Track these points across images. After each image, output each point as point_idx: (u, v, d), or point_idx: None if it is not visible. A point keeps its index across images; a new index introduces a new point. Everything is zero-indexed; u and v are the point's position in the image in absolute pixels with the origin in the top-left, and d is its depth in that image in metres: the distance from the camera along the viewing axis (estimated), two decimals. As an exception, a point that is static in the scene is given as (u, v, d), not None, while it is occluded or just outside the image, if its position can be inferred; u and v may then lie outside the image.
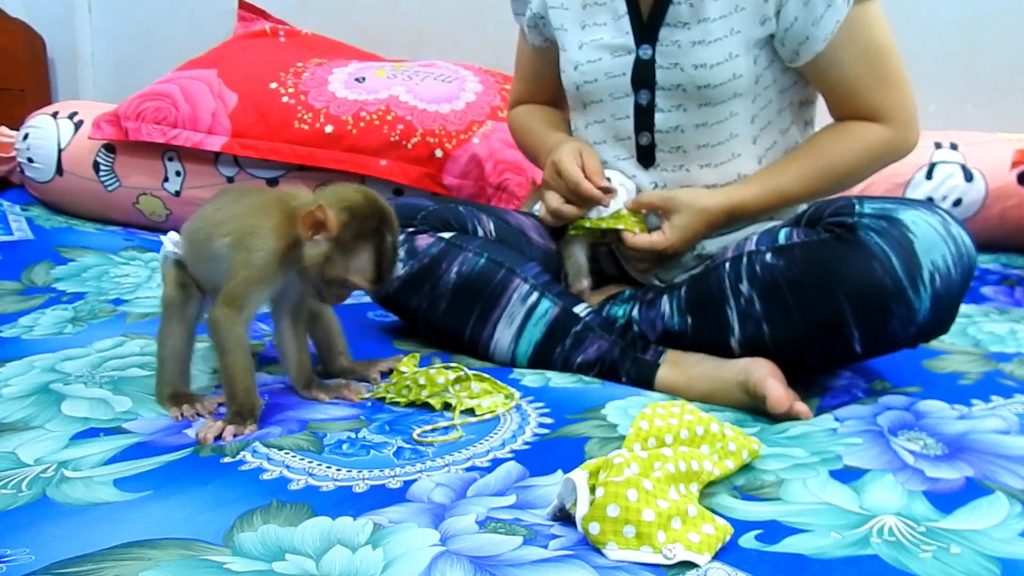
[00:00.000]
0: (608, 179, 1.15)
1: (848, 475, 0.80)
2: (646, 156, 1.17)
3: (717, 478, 0.76)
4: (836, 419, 0.94)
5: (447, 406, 0.95)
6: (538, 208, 1.28)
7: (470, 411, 0.94)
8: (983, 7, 1.97)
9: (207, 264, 0.97)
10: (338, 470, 0.79)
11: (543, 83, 1.33)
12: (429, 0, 2.19)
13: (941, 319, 0.97)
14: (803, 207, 1.11)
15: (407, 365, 1.05)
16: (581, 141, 1.20)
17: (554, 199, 1.17)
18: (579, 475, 0.67)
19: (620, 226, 1.13)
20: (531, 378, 1.07)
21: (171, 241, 1.02)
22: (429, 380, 0.98)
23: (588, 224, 1.15)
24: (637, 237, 1.13)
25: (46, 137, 1.96)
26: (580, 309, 1.12)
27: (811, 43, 1.07)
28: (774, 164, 1.14)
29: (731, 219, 1.13)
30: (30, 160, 1.96)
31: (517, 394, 0.99)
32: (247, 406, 0.90)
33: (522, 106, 1.38)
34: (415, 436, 0.87)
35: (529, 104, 1.37)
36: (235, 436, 0.87)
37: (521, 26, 1.31)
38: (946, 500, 0.75)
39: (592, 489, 0.67)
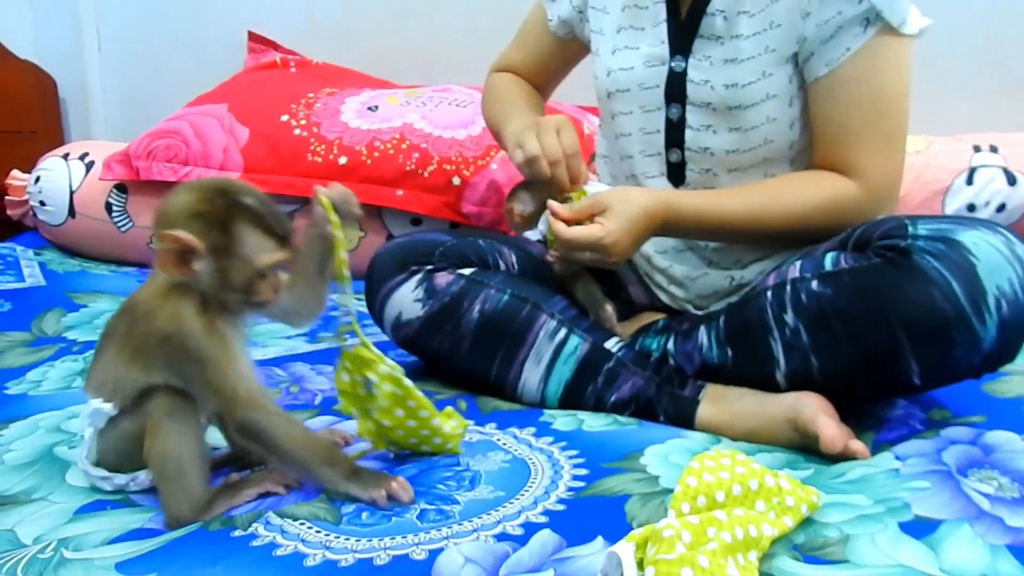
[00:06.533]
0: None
1: (920, 528, 0.72)
2: (676, 173, 1.11)
3: (775, 538, 0.69)
4: (897, 457, 0.87)
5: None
6: (540, 229, 1.21)
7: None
8: (1013, -2, 1.89)
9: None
10: (357, 540, 0.73)
11: (541, 65, 1.30)
12: (439, 23, 2.15)
13: (1008, 347, 0.89)
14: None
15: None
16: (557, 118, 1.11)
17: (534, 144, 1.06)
18: (624, 548, 0.61)
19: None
20: (562, 420, 1.00)
21: None
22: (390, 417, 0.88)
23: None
24: (573, 229, 1.00)
25: (57, 179, 1.93)
26: (611, 344, 1.06)
27: (814, 63, 1.00)
28: (731, 187, 1.07)
29: (667, 220, 1.01)
30: (42, 203, 1.93)
31: (467, 423, 0.92)
32: (344, 461, 0.80)
33: (507, 73, 1.33)
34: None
35: (514, 75, 1.32)
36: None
37: (544, 6, 1.26)
38: (1032, 554, 0.68)
39: (640, 564, 0.60)
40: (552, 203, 1.03)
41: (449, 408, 0.91)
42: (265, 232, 0.79)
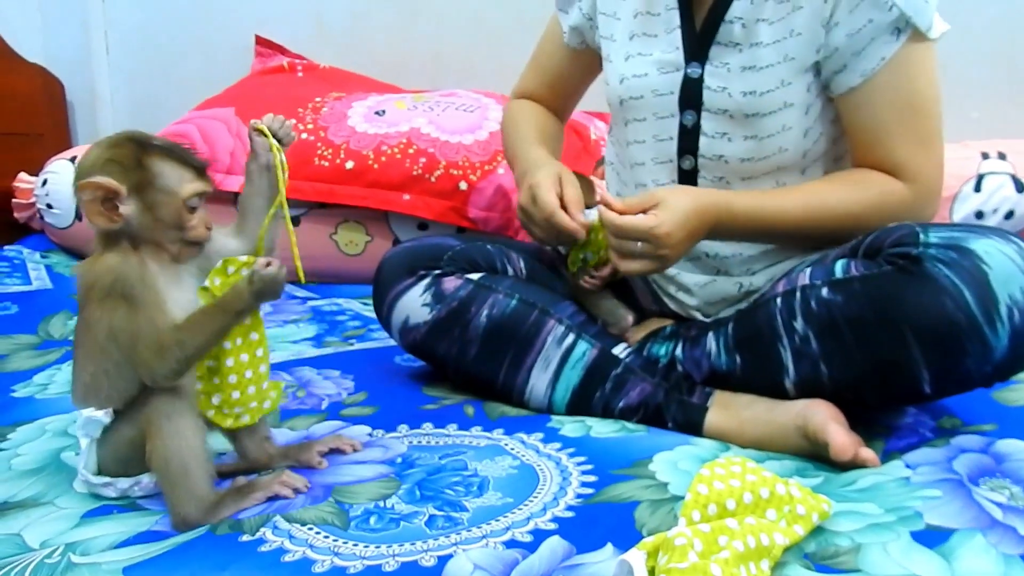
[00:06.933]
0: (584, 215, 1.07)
1: (933, 537, 0.72)
2: (688, 181, 1.10)
3: (787, 546, 0.69)
4: (907, 466, 0.86)
5: None
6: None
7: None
8: (1025, 6, 1.88)
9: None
10: (366, 547, 0.73)
11: (559, 83, 1.28)
12: (446, 28, 2.15)
13: (1020, 356, 0.88)
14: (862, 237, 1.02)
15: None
16: (561, 165, 1.11)
17: (536, 231, 1.08)
18: (636, 557, 0.60)
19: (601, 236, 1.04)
20: (570, 427, 1.00)
21: None
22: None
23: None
24: (626, 217, 0.97)
25: (64, 182, 1.93)
26: (619, 350, 1.05)
27: (847, 74, 0.99)
28: (780, 187, 1.06)
29: (720, 219, 0.99)
30: (49, 206, 1.94)
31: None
32: (236, 288, 0.79)
33: (525, 100, 1.32)
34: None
35: (533, 102, 1.31)
36: None
37: (559, 21, 1.25)
38: (1047, 565, 0.67)
39: (651, 572, 0.59)
40: (605, 195, 1.02)
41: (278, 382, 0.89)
42: (181, 164, 0.80)
